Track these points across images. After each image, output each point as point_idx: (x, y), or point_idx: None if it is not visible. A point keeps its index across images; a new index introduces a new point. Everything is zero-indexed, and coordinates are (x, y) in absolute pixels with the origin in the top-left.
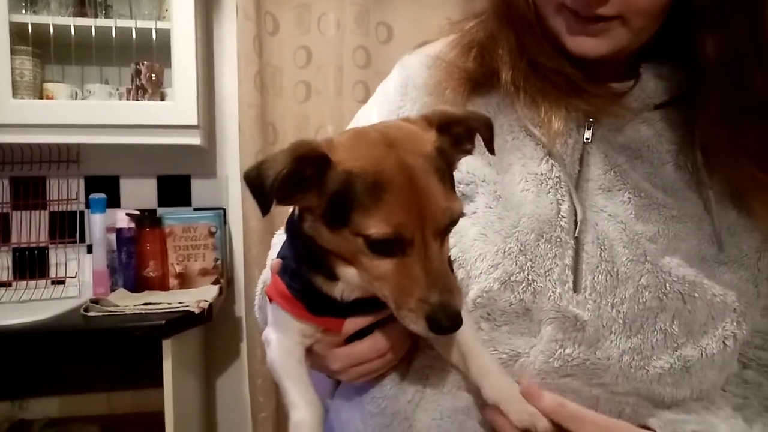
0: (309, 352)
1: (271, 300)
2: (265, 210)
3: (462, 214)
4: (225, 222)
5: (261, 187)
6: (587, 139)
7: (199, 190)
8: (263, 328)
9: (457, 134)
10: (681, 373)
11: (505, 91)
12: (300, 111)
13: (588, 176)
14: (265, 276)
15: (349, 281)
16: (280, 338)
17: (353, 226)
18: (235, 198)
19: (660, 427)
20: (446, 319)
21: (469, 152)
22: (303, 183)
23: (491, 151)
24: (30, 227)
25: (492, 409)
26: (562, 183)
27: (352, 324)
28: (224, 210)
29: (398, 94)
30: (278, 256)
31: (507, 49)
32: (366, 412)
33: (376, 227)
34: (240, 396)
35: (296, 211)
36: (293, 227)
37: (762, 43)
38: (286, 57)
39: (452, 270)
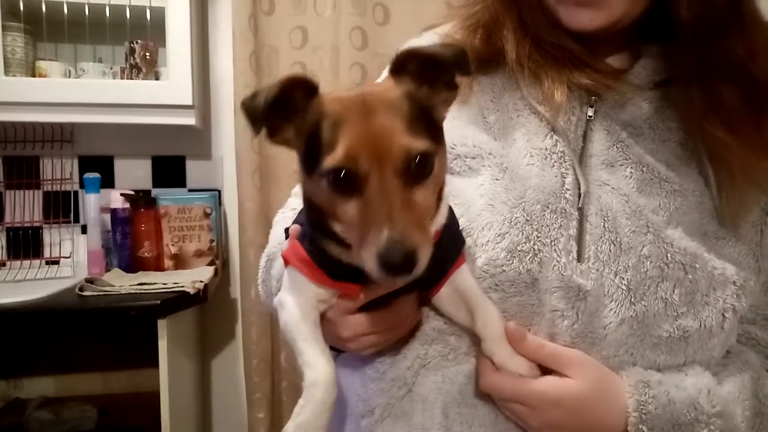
0: (321, 318)
1: (287, 264)
2: (256, 129)
3: (427, 154)
4: (220, 203)
5: (255, 108)
6: (590, 116)
7: (193, 171)
8: (266, 302)
9: (414, 71)
10: (678, 342)
11: (509, 70)
12: None
13: (591, 152)
14: (270, 250)
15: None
16: (297, 301)
17: (318, 168)
18: (231, 180)
19: (627, 375)
20: (397, 256)
21: (449, 89)
22: (290, 107)
23: (466, 74)
24: (24, 207)
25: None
26: (566, 157)
27: (369, 292)
28: (219, 191)
29: None
30: (295, 222)
31: (511, 28)
32: (366, 377)
33: (328, 159)
34: (235, 376)
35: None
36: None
37: (738, 7)
38: (282, 37)
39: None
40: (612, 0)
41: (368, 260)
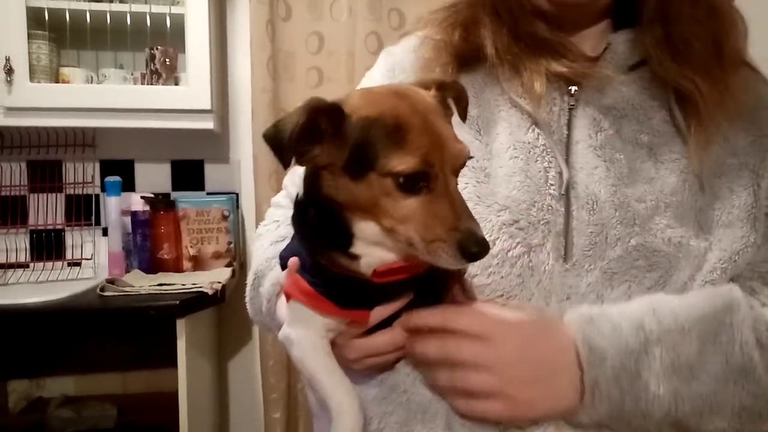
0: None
1: (288, 298)
2: (285, 164)
3: (470, 157)
4: (238, 206)
5: (280, 141)
6: (572, 105)
7: (212, 174)
8: (254, 320)
9: (447, 97)
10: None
11: (489, 65)
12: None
13: (577, 138)
14: (257, 268)
15: (366, 237)
16: (305, 335)
17: (380, 167)
18: (248, 183)
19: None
20: (476, 245)
21: (449, 116)
22: (319, 135)
23: (463, 118)
24: (47, 210)
25: None
26: (548, 150)
27: (378, 314)
28: (237, 194)
29: (385, 78)
30: (289, 254)
31: (488, 23)
32: (364, 382)
33: (405, 163)
34: (252, 377)
35: (307, 181)
36: (300, 209)
37: None
38: (299, 43)
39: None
40: None
41: (446, 250)
